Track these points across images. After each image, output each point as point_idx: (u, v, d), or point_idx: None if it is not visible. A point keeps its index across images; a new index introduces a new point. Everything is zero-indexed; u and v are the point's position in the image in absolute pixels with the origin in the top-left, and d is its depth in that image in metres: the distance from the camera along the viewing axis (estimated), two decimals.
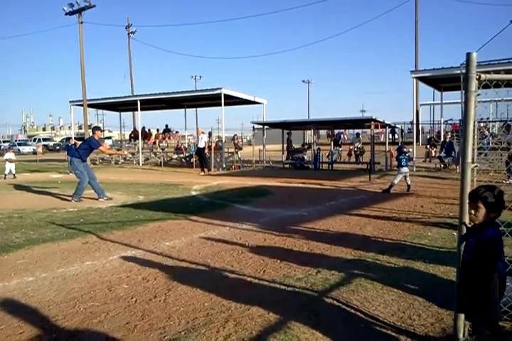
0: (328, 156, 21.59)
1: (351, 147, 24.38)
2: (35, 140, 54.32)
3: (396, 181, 11.13)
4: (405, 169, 11.23)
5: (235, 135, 27.19)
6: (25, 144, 51.21)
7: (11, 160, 17.40)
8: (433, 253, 5.22)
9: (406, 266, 4.77)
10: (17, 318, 3.52)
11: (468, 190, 2.67)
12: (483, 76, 2.63)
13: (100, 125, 70.21)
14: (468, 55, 2.63)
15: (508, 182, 11.39)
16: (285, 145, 22.65)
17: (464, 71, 2.65)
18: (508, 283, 3.35)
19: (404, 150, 11.75)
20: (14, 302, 3.91)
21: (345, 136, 42.12)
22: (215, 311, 3.61)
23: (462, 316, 2.71)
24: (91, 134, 11.90)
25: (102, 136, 11.39)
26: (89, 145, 10.64)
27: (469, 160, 2.65)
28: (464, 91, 2.68)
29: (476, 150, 2.76)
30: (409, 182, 11.30)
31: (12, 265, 5.03)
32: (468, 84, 2.61)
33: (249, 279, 4.44)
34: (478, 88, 2.65)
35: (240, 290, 4.13)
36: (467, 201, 2.65)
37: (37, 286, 4.32)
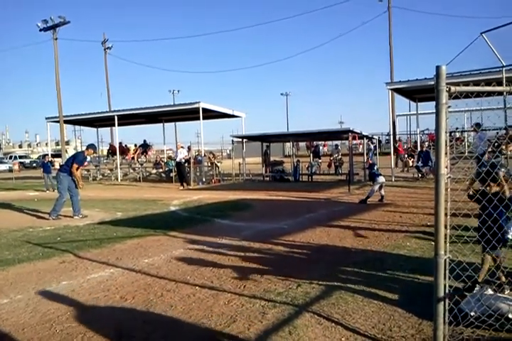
0: (307, 168, 21.71)
1: (331, 158, 24.57)
2: (11, 157, 53.33)
3: (373, 192, 11.22)
4: (382, 178, 11.39)
5: (211, 152, 27.00)
6: (0, 162, 50.31)
7: None
8: (412, 264, 5.25)
9: (386, 276, 4.78)
10: None
11: (443, 200, 2.70)
12: (453, 88, 2.68)
13: (78, 141, 69.68)
14: (438, 68, 2.66)
15: None
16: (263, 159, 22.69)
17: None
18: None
19: (375, 166, 12.30)
20: None
21: (326, 148, 42.44)
22: None
23: (441, 326, 2.72)
24: (79, 150, 11.73)
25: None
26: (73, 159, 10.38)
27: (442, 171, 2.68)
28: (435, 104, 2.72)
29: (449, 160, 2.79)
30: (383, 193, 11.40)
31: None
32: (438, 96, 2.65)
33: (229, 295, 4.40)
34: (450, 99, 2.69)
35: (220, 307, 4.08)
36: (442, 210, 2.68)
37: (12, 308, 4.20)
